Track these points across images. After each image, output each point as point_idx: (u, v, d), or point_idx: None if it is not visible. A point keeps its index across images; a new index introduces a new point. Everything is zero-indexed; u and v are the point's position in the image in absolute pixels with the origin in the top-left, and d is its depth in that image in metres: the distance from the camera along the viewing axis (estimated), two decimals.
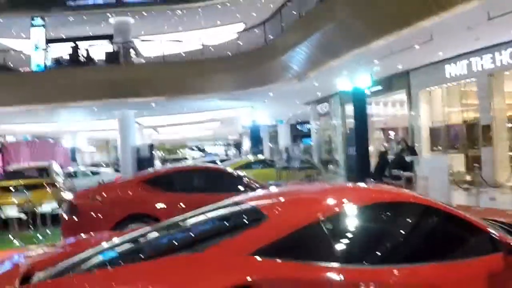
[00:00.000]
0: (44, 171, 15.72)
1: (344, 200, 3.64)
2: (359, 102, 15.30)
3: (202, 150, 63.42)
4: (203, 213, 4.01)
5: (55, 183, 14.44)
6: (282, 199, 4.03)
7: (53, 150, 36.59)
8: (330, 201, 3.69)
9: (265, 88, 21.48)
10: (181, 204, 7.07)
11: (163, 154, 49.65)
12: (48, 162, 17.05)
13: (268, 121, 30.81)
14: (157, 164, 29.45)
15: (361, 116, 15.28)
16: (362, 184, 4.74)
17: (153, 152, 25.84)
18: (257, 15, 24.54)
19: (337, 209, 3.52)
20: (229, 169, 8.24)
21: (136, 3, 24.47)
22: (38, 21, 23.51)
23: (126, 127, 25.36)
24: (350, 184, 5.22)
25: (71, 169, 24.44)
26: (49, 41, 25.42)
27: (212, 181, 7.87)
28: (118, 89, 22.07)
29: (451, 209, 3.78)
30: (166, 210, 7.07)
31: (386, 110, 21.84)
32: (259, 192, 5.82)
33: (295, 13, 19.42)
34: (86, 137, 39.96)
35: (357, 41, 14.40)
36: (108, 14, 24.98)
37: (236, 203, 3.98)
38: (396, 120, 20.59)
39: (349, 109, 23.05)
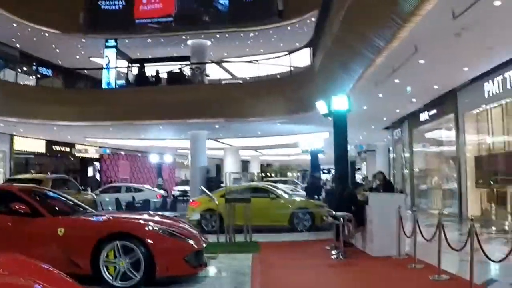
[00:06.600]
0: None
1: None
2: (339, 125, 13.36)
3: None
4: None
5: None
6: None
7: (143, 165, 39.06)
8: None
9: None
10: None
11: (265, 175, 49.12)
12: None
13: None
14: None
15: (341, 141, 13.32)
16: None
17: (220, 172, 25.72)
18: None
19: None
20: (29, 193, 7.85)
21: (210, 24, 24.54)
22: (111, 42, 24.81)
23: (197, 146, 25.52)
24: None
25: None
26: (132, 61, 26.88)
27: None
28: (179, 110, 22.35)
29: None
30: None
31: (440, 136, 19.04)
32: None
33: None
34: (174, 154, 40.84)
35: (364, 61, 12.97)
36: (184, 36, 25.56)
37: None
38: (449, 148, 17.77)
39: (418, 134, 20.82)
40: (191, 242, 7.32)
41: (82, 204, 8.75)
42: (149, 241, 6.79)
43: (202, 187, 14.41)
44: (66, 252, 6.83)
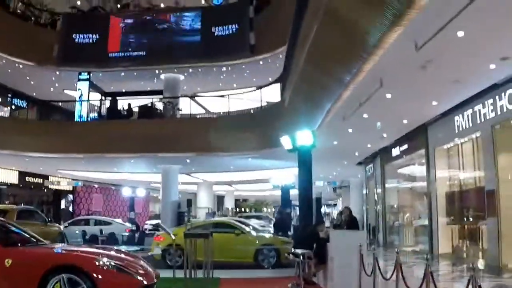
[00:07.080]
0: None
1: None
2: (304, 161, 13.12)
3: None
4: None
5: None
6: None
7: (117, 198, 38.62)
8: None
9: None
10: None
11: (240, 210, 48.62)
12: None
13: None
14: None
15: (305, 177, 13.05)
16: None
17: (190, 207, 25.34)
18: None
19: None
20: None
21: (183, 58, 24.37)
22: (84, 75, 24.69)
23: (168, 181, 25.19)
24: None
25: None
26: (105, 94, 26.65)
27: None
28: (150, 144, 22.03)
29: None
30: None
31: (412, 172, 18.88)
32: None
33: None
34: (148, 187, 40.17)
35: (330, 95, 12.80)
36: (157, 71, 25.42)
37: None
38: (421, 183, 17.58)
39: (390, 169, 20.65)
40: (140, 278, 7.25)
41: (36, 236, 8.59)
42: (95, 275, 6.81)
43: (160, 223, 14.04)
44: (12, 284, 6.83)
